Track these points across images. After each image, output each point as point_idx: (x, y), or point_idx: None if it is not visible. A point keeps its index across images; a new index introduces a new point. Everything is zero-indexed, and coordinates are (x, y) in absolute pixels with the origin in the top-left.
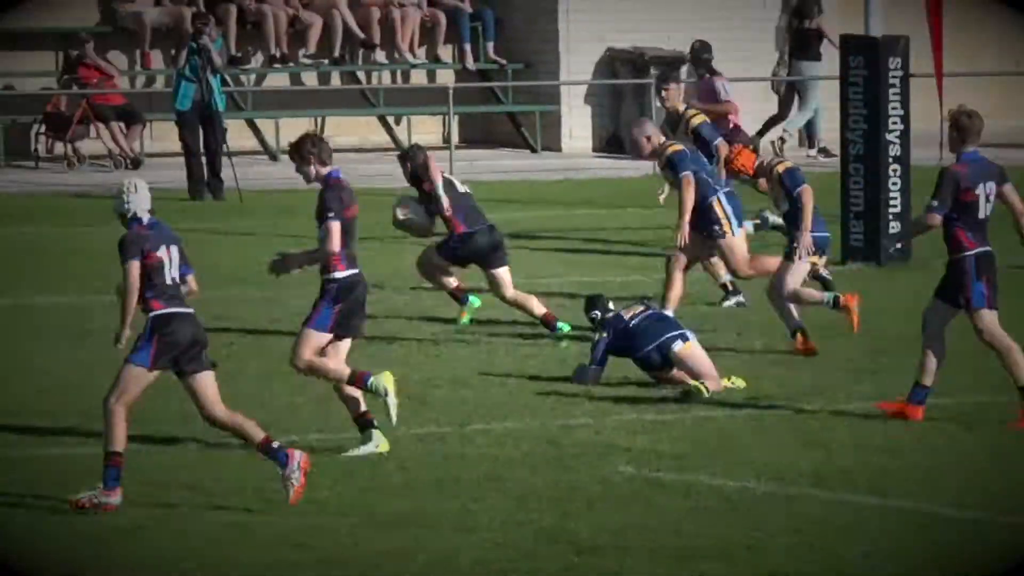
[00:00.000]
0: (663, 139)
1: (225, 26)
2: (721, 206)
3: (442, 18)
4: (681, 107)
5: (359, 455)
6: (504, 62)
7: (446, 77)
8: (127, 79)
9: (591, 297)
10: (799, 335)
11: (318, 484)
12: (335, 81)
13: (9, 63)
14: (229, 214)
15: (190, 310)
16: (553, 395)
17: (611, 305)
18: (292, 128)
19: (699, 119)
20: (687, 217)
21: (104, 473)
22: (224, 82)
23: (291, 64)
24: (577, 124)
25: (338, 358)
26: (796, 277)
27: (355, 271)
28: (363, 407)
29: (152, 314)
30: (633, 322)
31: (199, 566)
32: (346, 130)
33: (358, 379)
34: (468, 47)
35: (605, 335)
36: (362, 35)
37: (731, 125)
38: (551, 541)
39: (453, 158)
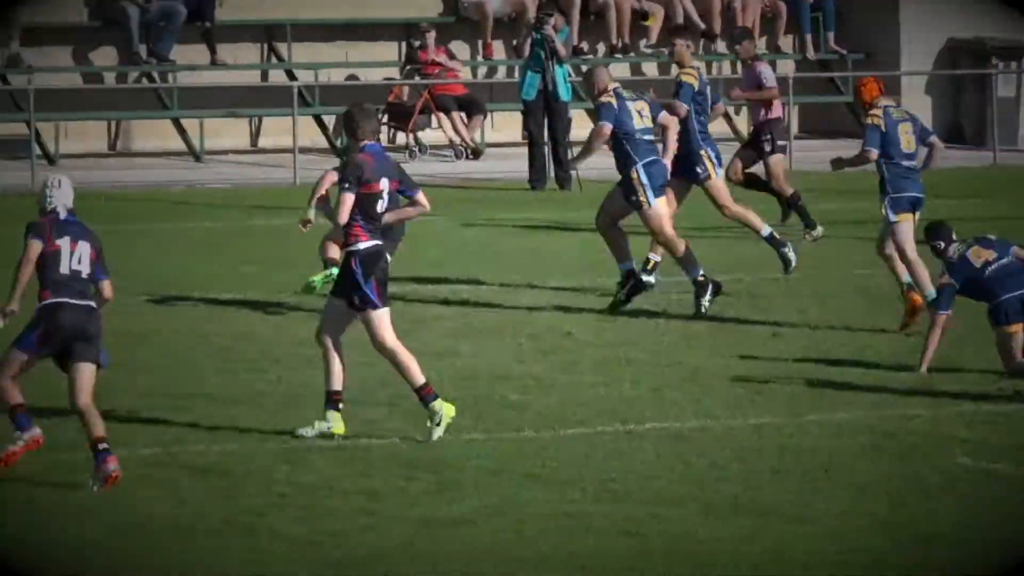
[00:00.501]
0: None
1: (568, 16)
2: (707, 153)
3: (783, 8)
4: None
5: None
6: (844, 52)
7: (786, 67)
8: (469, 69)
9: (934, 225)
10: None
11: (656, 472)
12: (674, 71)
13: (353, 54)
14: (568, 205)
15: (82, 302)
16: (889, 386)
17: (954, 236)
18: None
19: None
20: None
21: (16, 422)
22: (570, 72)
23: (632, 54)
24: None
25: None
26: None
27: (377, 242)
28: (337, 386)
29: (41, 303)
30: (987, 271)
31: (536, 555)
32: None
33: (425, 392)
34: (808, 37)
35: (953, 282)
36: (703, 25)
37: (771, 115)
38: (888, 532)
39: (792, 148)
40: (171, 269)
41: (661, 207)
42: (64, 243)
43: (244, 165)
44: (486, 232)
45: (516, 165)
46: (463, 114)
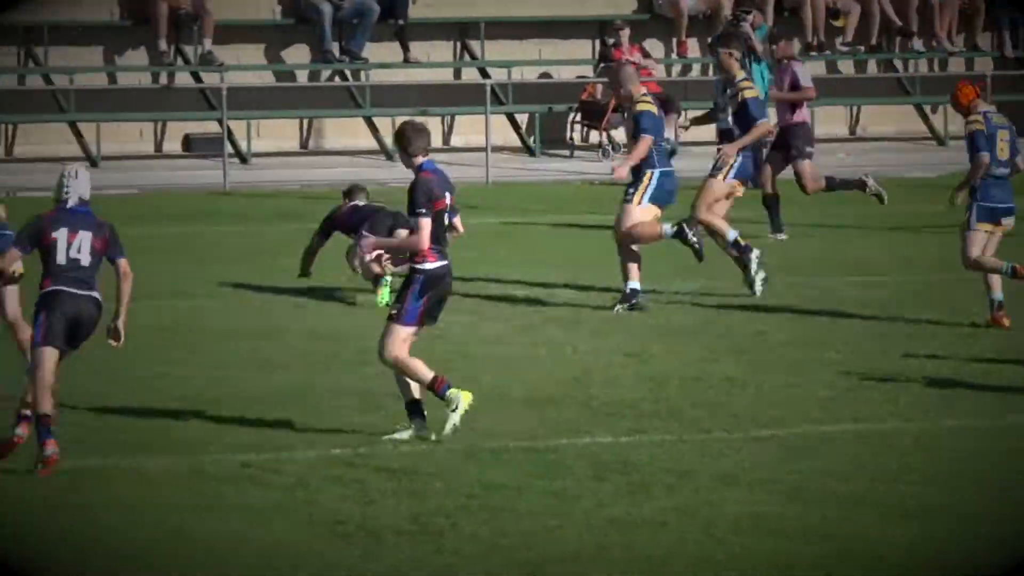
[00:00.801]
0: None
1: (763, 14)
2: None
3: (981, 5)
4: (739, 74)
5: (398, 439)
6: None
7: (984, 65)
8: (662, 67)
9: None
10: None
11: (849, 474)
12: (871, 69)
13: (546, 51)
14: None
15: (81, 291)
16: None
17: None
18: (828, 116)
19: (750, 93)
20: None
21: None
22: (770, 69)
23: (827, 52)
24: None
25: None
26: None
27: (444, 263)
28: (416, 394)
29: (41, 291)
30: None
31: (727, 556)
32: (880, 120)
33: (438, 384)
34: (1007, 34)
35: None
36: (899, 22)
37: (795, 119)
38: None
39: None
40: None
41: (644, 214)
42: (61, 234)
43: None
44: None
45: (710, 164)
46: None
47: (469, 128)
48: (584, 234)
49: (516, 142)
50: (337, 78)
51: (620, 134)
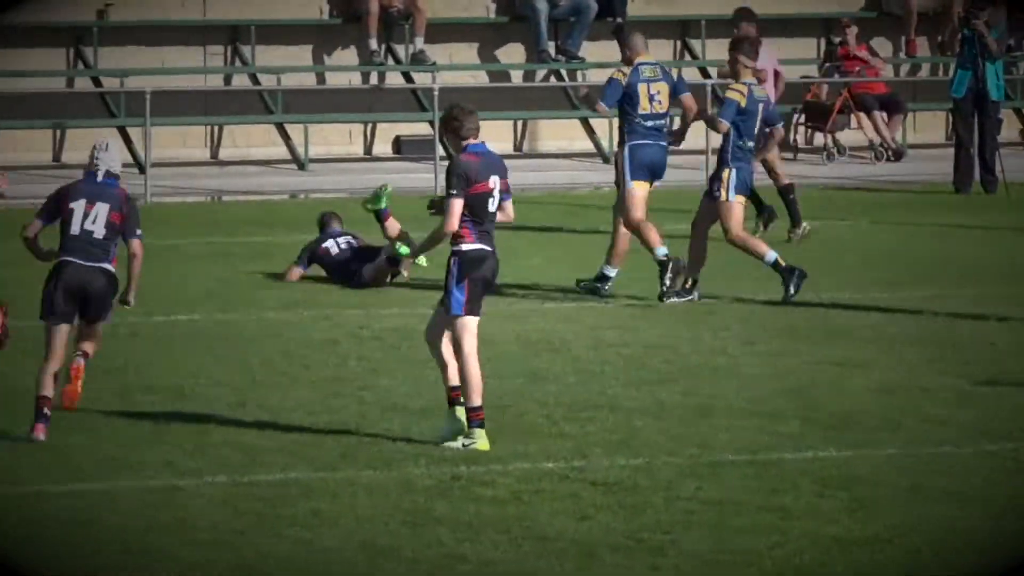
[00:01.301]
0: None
1: (1001, 13)
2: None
3: None
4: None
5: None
6: None
7: None
8: (890, 67)
9: None
10: None
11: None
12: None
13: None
14: (992, 209)
15: (89, 263)
16: None
17: None
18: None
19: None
20: None
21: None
22: (1006, 70)
23: None
24: None
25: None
26: None
27: (483, 246)
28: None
29: (55, 261)
30: None
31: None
32: None
33: (454, 397)
34: None
35: None
36: None
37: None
38: None
39: None
40: (575, 273)
41: (637, 190)
42: (79, 205)
43: None
44: (901, 237)
45: (939, 167)
46: (884, 114)
47: (692, 128)
48: (809, 240)
49: None
50: (552, 78)
51: (846, 136)
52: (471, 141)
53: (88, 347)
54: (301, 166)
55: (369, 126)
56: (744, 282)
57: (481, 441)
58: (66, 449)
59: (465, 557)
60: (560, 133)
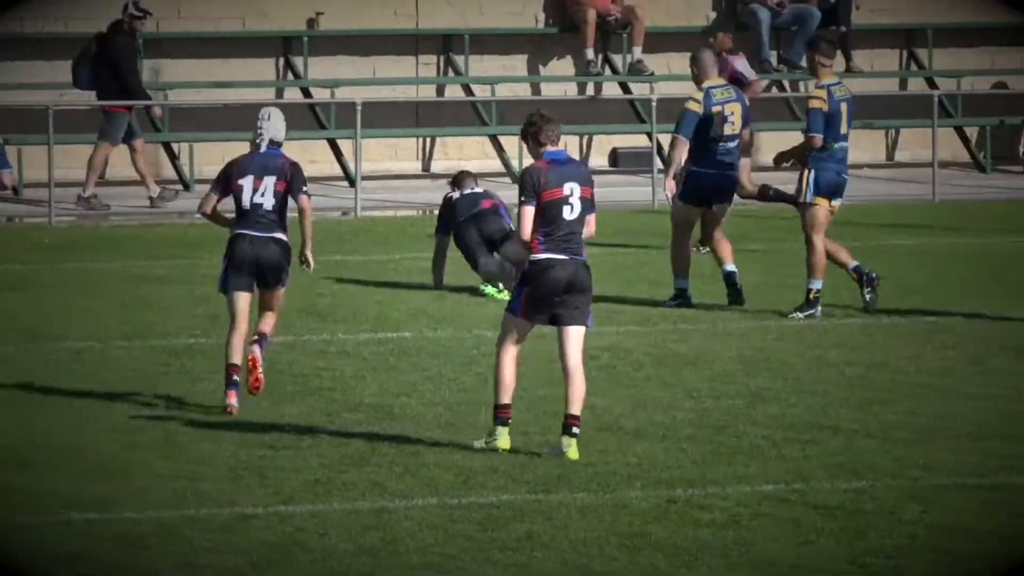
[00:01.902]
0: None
1: None
2: None
3: None
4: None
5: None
6: None
7: None
8: None
9: None
10: None
11: None
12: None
13: (999, 60)
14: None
15: (263, 234)
16: None
17: None
18: None
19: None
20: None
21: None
22: None
23: None
24: None
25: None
26: None
27: (552, 256)
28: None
29: (230, 234)
30: None
31: None
32: None
33: (500, 412)
34: None
35: None
36: None
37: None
38: None
39: None
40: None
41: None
42: (247, 181)
43: (878, 180)
44: None
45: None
46: None
47: (915, 142)
48: None
49: (965, 157)
50: (774, 88)
51: None
52: (548, 148)
53: (268, 322)
54: (515, 178)
55: (585, 138)
56: (971, 299)
57: (503, 439)
58: (272, 470)
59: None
60: (782, 145)
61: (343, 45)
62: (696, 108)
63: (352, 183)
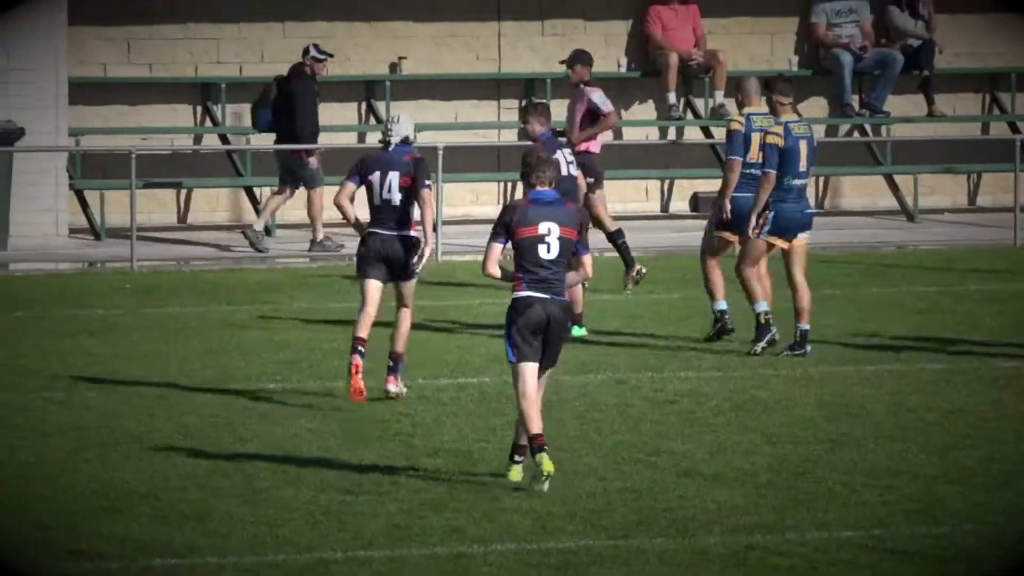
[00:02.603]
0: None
1: None
2: None
3: None
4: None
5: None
6: None
7: None
8: None
9: None
10: None
11: None
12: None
13: None
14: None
15: (390, 232)
16: None
17: None
18: None
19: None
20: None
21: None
22: None
23: None
24: None
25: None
26: None
27: (531, 294)
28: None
29: (366, 232)
30: None
31: None
32: None
33: (535, 441)
34: None
35: None
36: None
37: (590, 147)
38: None
39: None
40: (870, 334)
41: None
42: (375, 178)
43: (959, 225)
44: None
45: None
46: None
47: (996, 186)
48: None
49: None
50: (856, 133)
51: None
52: (537, 188)
53: (401, 337)
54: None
55: (667, 182)
56: None
57: (546, 463)
58: (351, 515)
59: None
60: (863, 190)
61: (425, 89)
62: (740, 128)
63: (434, 228)
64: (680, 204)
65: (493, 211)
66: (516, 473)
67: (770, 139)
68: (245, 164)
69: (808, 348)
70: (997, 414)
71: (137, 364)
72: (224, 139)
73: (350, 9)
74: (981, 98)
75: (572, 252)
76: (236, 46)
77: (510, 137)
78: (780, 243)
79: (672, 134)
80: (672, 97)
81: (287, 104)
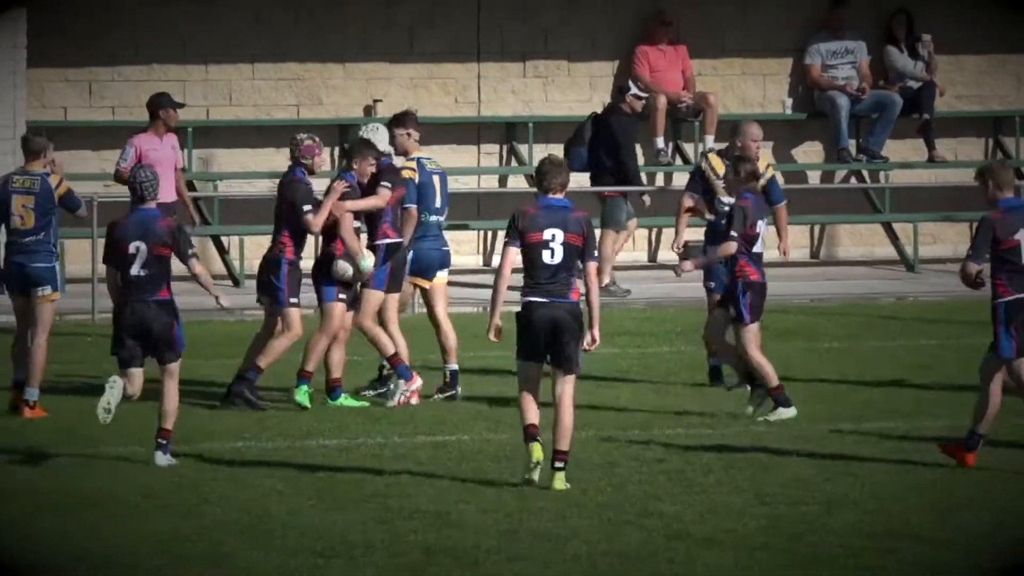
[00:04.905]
0: None
1: None
2: None
3: None
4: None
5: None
6: None
7: None
8: None
9: None
10: None
11: None
12: None
13: None
14: None
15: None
16: None
17: None
18: None
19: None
20: None
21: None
22: None
23: None
24: None
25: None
26: None
27: (535, 298)
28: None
29: (383, 242)
30: None
31: None
32: None
33: (526, 431)
34: None
35: None
36: None
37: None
38: None
39: None
40: (876, 392)
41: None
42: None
43: None
44: None
45: None
46: None
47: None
48: None
49: None
50: (853, 179)
51: None
52: (548, 195)
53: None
54: None
55: (654, 231)
56: None
57: (535, 451)
58: None
59: None
60: (861, 239)
61: None
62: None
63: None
64: (668, 253)
65: (474, 261)
66: (559, 482)
67: (407, 174)
68: (213, 211)
69: (458, 389)
70: (1004, 474)
71: (96, 421)
72: (191, 186)
73: (323, 49)
74: (984, 143)
75: (579, 258)
76: (203, 88)
77: (491, 183)
78: (423, 282)
79: (660, 179)
80: (660, 141)
81: (605, 143)
